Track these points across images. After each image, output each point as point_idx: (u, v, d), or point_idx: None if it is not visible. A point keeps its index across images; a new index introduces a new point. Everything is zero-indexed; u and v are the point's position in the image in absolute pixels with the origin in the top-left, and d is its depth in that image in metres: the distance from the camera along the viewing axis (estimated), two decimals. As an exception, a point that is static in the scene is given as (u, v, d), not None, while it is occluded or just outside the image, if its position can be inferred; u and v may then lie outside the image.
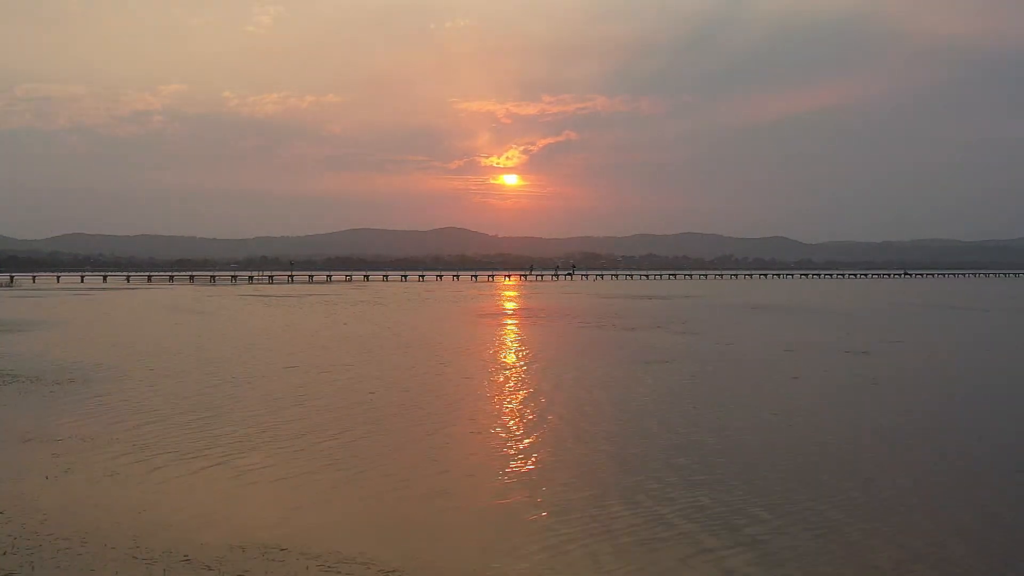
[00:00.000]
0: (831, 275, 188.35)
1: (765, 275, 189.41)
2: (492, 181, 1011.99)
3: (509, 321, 39.79)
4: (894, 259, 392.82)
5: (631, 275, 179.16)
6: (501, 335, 31.40)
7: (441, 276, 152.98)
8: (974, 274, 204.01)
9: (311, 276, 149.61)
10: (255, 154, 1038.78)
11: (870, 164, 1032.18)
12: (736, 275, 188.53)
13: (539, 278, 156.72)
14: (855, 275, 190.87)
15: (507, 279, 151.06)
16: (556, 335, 31.19)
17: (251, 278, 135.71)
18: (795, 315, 45.57)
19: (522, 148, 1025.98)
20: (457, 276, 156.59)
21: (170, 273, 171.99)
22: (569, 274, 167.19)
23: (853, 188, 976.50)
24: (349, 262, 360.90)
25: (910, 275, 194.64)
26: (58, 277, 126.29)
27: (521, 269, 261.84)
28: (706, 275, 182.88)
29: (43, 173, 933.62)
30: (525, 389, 17.34)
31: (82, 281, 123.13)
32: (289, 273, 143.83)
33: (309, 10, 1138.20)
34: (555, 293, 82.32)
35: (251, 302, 60.67)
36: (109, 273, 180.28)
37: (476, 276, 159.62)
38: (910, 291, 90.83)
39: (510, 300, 65.99)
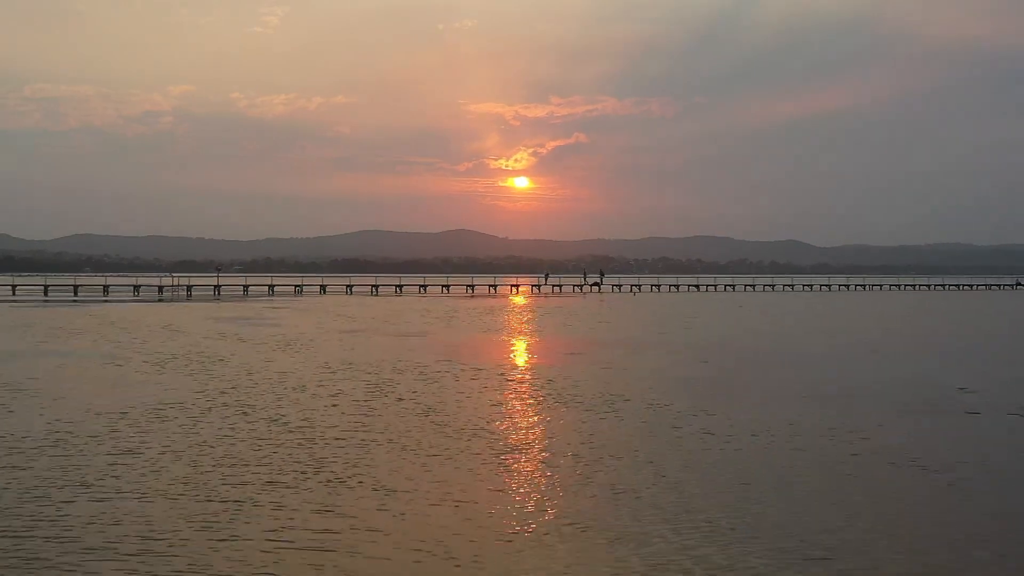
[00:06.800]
0: (927, 287, 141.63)
1: (829, 286, 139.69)
2: (501, 183, 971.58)
3: None
4: (912, 263, 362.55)
5: (676, 286, 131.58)
6: None
7: (425, 287, 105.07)
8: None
9: (246, 288, 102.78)
10: (264, 155, 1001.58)
11: (884, 166, 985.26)
12: (792, 286, 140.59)
13: (558, 291, 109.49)
14: (958, 287, 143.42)
15: (514, 292, 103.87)
16: None
17: (160, 289, 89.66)
18: None
19: (531, 150, 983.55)
20: (447, 287, 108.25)
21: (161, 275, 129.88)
22: (596, 284, 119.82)
23: (867, 191, 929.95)
24: (356, 264, 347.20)
25: (1022, 286, 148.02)
26: (45, 289, 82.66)
27: (533, 273, 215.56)
28: (774, 286, 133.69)
29: (52, 173, 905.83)
30: None
31: (75, 294, 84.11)
32: (215, 283, 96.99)
33: (316, 11, 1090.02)
34: (631, 351, 34.39)
35: None
36: (113, 276, 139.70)
37: (472, 288, 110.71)
38: None
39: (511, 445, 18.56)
